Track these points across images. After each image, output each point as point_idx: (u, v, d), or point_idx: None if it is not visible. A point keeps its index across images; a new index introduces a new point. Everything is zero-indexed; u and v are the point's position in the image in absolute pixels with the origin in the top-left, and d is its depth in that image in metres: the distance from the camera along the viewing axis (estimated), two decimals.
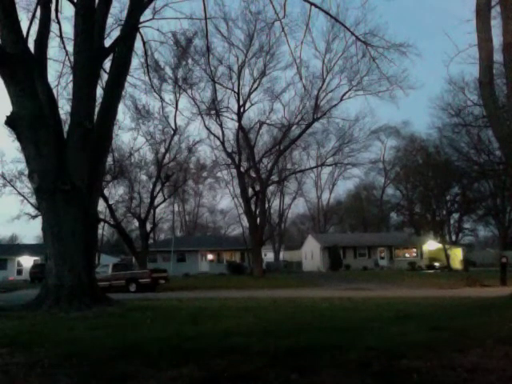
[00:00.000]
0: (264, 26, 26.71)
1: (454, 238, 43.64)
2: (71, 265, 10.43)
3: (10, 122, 10.79)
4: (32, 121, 10.59)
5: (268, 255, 55.66)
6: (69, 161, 11.05)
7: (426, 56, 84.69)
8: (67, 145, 11.31)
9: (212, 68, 29.42)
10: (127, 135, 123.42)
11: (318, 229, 58.02)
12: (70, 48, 13.86)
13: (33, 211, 33.11)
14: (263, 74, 32.09)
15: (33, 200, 30.12)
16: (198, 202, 59.78)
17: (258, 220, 34.10)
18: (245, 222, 38.46)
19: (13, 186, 31.93)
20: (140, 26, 14.84)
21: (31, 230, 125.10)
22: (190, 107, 75.97)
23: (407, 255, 42.93)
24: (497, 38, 11.12)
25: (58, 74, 16.45)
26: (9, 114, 10.75)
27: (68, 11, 74.30)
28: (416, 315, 6.81)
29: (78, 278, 10.41)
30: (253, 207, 34.17)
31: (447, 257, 35.45)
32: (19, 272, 39.05)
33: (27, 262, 38.63)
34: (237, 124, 33.23)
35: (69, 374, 3.34)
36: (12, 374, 3.70)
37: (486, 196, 39.00)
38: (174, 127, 29.96)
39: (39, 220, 15.77)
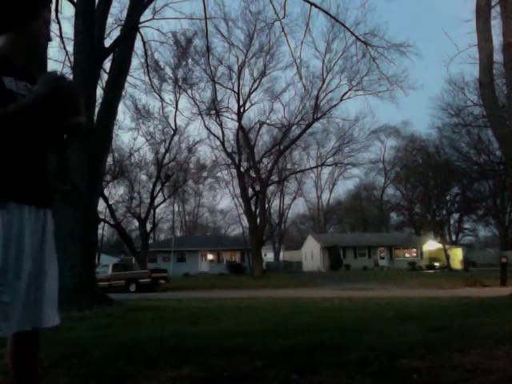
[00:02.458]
0: (264, 26, 26.83)
1: (454, 238, 43.72)
2: (71, 265, 10.41)
3: None
4: None
5: (268, 255, 55.64)
6: (69, 161, 11.03)
7: (426, 56, 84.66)
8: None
9: (212, 68, 29.50)
10: (127, 135, 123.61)
11: (318, 229, 58.02)
12: (70, 48, 13.84)
13: None
14: (263, 74, 32.18)
15: None
16: (198, 202, 59.79)
17: (258, 220, 34.12)
18: (245, 222, 38.54)
19: None
20: (140, 26, 14.82)
21: None
22: (190, 107, 76.27)
23: (407, 255, 42.92)
24: (497, 38, 11.10)
25: None
26: None
27: (68, 11, 74.41)
28: (416, 315, 6.80)
29: (77, 278, 10.39)
30: (253, 207, 34.19)
31: (447, 257, 35.44)
32: None
33: None
34: (237, 124, 33.30)
35: (69, 373, 3.33)
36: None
37: (485, 196, 39.04)
38: (174, 127, 30.00)
39: None
